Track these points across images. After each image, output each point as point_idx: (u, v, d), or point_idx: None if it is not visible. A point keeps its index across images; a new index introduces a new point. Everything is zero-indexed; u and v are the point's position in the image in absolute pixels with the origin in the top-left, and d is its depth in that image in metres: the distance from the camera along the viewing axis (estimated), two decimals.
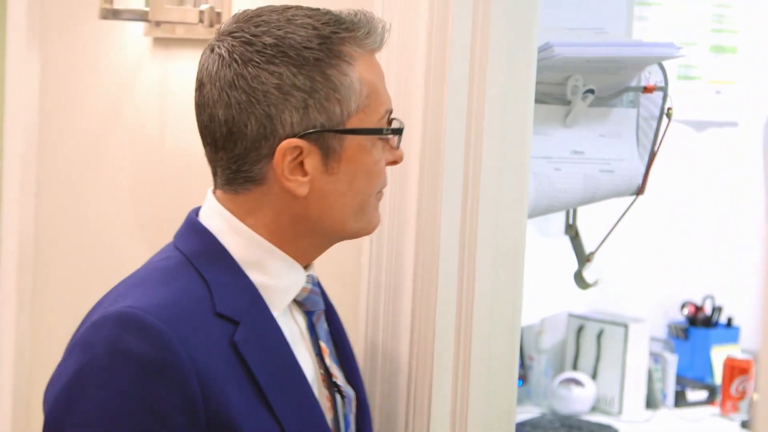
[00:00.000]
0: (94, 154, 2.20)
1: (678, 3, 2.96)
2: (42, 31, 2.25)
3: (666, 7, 2.93)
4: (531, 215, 1.76)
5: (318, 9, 1.22)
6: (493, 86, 1.49)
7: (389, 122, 1.26)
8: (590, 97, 2.05)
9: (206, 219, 1.25)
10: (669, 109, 2.11)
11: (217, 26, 1.82)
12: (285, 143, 1.18)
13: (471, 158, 1.52)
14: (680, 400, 2.71)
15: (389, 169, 1.32)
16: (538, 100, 1.65)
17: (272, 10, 1.21)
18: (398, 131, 1.27)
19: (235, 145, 1.19)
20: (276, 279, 1.25)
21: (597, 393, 2.62)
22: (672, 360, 2.71)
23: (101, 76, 2.16)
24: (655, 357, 2.71)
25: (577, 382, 2.60)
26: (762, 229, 2.89)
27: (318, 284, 1.33)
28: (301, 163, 1.19)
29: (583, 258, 2.18)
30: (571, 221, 2.20)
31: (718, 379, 2.72)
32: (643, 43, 2.31)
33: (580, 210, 2.17)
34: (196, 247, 1.23)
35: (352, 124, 1.22)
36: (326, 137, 1.20)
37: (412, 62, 1.52)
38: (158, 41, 2.02)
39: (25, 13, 2.25)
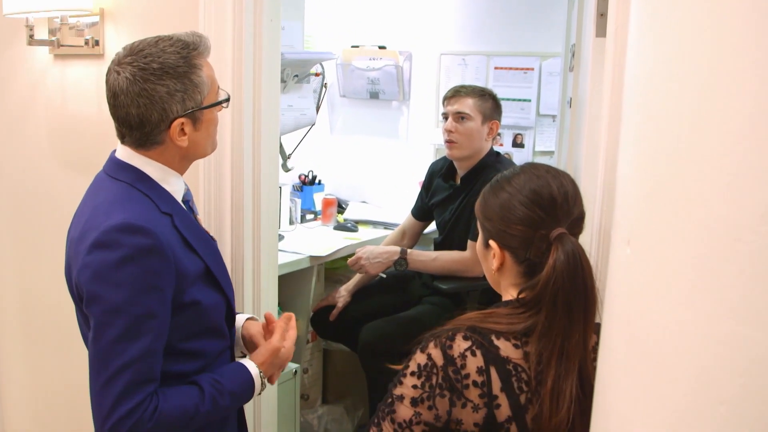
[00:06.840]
0: (24, 114, 2.64)
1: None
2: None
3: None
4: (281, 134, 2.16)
5: (172, 37, 1.34)
6: (265, 75, 1.87)
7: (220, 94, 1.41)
8: (295, 78, 2.78)
9: (128, 160, 1.38)
10: (325, 84, 3.17)
11: (96, 47, 2.29)
12: (175, 122, 1.34)
13: (256, 110, 1.88)
14: (302, 219, 3.52)
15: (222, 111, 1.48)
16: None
17: (148, 43, 1.33)
18: (228, 99, 1.44)
19: (144, 127, 1.33)
20: (175, 186, 1.42)
21: None
22: (299, 201, 3.52)
23: (27, 74, 2.60)
24: (292, 200, 3.42)
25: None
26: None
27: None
28: (183, 129, 1.36)
29: (285, 156, 2.99)
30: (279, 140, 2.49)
31: (318, 207, 3.62)
32: (317, 52, 3.22)
33: (287, 136, 2.93)
34: (133, 177, 1.36)
35: (206, 102, 1.37)
36: (195, 113, 1.36)
37: (223, 61, 1.82)
38: (57, 56, 2.49)
39: None
